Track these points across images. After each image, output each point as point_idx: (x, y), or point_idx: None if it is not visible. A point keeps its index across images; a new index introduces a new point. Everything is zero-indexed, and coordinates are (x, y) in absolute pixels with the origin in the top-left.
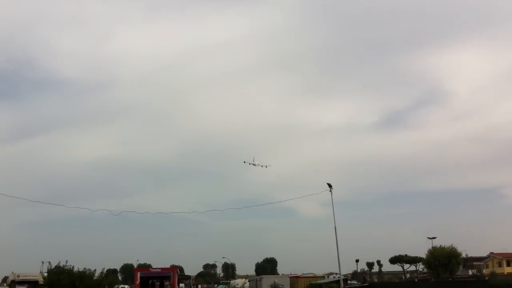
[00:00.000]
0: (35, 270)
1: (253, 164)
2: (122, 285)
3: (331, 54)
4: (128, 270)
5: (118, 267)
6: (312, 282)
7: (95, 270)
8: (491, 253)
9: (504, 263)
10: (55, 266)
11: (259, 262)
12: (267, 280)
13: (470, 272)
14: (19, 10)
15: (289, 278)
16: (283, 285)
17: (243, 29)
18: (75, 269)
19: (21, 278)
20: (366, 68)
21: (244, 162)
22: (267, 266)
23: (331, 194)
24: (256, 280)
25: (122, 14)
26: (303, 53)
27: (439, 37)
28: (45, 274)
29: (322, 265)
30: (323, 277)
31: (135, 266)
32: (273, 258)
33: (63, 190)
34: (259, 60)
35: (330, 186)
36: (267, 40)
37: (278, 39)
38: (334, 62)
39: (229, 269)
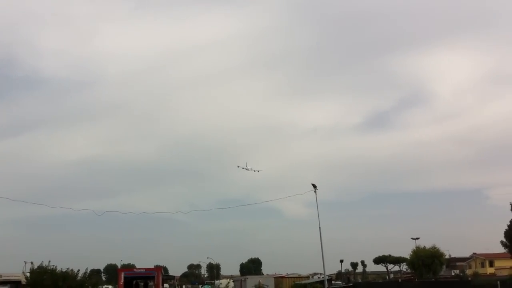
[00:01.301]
0: (17, 270)
1: (246, 169)
2: (106, 286)
3: (317, 55)
4: (112, 270)
5: (101, 267)
6: (296, 283)
7: (78, 271)
8: (474, 253)
9: (487, 264)
10: (38, 266)
11: (244, 262)
12: (252, 280)
13: (453, 273)
14: (2, 8)
15: (273, 279)
16: (267, 286)
17: (229, 29)
18: (58, 269)
19: (3, 278)
20: (352, 69)
21: (238, 166)
22: (252, 267)
23: (316, 195)
24: (241, 280)
25: (106, 13)
26: (288, 54)
27: (423, 38)
28: (28, 274)
29: (306, 266)
30: (307, 277)
31: (119, 267)
32: (257, 258)
33: (46, 189)
34: (245, 60)
35: (314, 186)
36: (252, 41)
37: (263, 40)
38: (319, 63)
39: (214, 270)
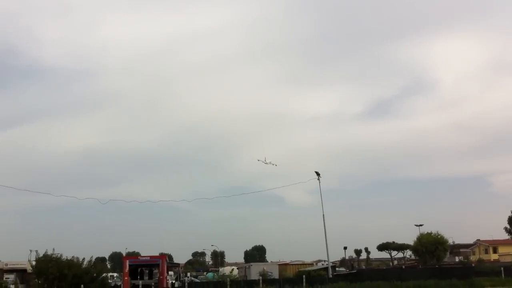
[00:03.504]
0: (23, 259)
1: (265, 163)
2: (111, 273)
3: (316, 43)
4: (116, 258)
5: (106, 255)
6: (300, 270)
7: (83, 259)
8: (477, 240)
9: (491, 250)
10: (43, 255)
11: (248, 250)
12: (256, 267)
13: (457, 259)
14: None
15: (278, 266)
16: (272, 273)
17: (228, 17)
18: (63, 257)
19: (9, 266)
20: (352, 57)
21: (258, 160)
22: (256, 254)
23: (319, 182)
24: (245, 267)
25: (107, 2)
26: (288, 42)
27: (425, 26)
28: (33, 263)
29: (310, 253)
30: (311, 264)
31: (124, 254)
32: (261, 245)
33: (50, 179)
34: (247, 48)
35: (318, 174)
36: (253, 29)
37: (264, 28)
38: (320, 51)
39: (218, 257)
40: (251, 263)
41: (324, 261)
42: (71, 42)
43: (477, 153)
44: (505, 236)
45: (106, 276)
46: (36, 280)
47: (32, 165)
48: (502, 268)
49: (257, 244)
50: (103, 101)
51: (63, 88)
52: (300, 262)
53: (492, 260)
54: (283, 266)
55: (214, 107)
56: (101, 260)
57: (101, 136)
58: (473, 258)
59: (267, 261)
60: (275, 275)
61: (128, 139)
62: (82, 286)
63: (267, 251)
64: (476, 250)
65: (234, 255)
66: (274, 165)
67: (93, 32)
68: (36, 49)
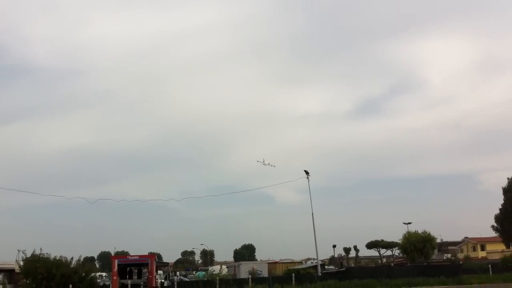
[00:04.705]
0: (11, 259)
1: (264, 164)
2: (99, 273)
3: (306, 42)
4: (105, 258)
5: (95, 255)
6: (290, 268)
7: (72, 258)
8: (465, 237)
9: (479, 248)
10: (32, 254)
11: (238, 248)
12: (245, 266)
13: (445, 257)
14: None
15: (267, 264)
16: (261, 271)
17: (218, 16)
18: (52, 257)
19: None
20: (341, 56)
21: (258, 161)
22: (246, 253)
23: (308, 181)
24: (235, 266)
25: (96, 0)
26: (278, 41)
27: (413, 24)
28: (21, 263)
29: (299, 251)
30: (300, 262)
31: (113, 254)
32: (251, 244)
33: (38, 178)
34: (236, 47)
35: (307, 173)
36: (243, 28)
37: (253, 27)
38: (309, 50)
39: (208, 256)
40: (241, 262)
41: (313, 259)
42: (59, 40)
43: (465, 151)
44: (493, 234)
45: (95, 276)
46: (24, 280)
47: (20, 164)
48: (489, 266)
49: (247, 243)
50: (92, 100)
51: (52, 86)
52: (290, 261)
53: (480, 257)
54: (272, 264)
55: (204, 106)
56: (89, 260)
57: (90, 135)
58: (461, 255)
59: (256, 260)
60: (265, 273)
61: (117, 138)
62: (70, 286)
63: (256, 249)
64: (464, 247)
65: (224, 254)
66: (273, 166)
67: (82, 30)
68: (24, 47)
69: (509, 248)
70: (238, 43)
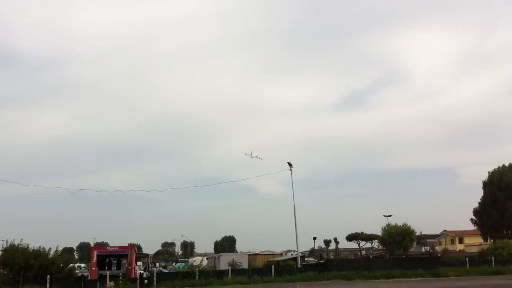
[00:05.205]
0: None
1: (252, 157)
2: (78, 264)
3: (291, 34)
4: (85, 248)
5: (74, 245)
6: (270, 260)
7: (50, 249)
8: (444, 230)
9: (457, 241)
10: (10, 244)
11: (218, 240)
12: (226, 257)
13: (423, 249)
14: None
15: (247, 256)
16: (241, 263)
17: (203, 6)
18: (30, 247)
19: None
20: (327, 49)
21: (245, 154)
22: (226, 244)
23: (291, 173)
24: (215, 258)
25: None
26: (263, 33)
27: (399, 18)
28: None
29: (280, 243)
30: (281, 254)
31: (92, 245)
32: (232, 236)
33: (18, 168)
34: (220, 38)
35: (290, 165)
36: (228, 19)
37: (239, 18)
38: (294, 43)
39: (188, 247)
40: (221, 253)
41: (294, 251)
42: (42, 29)
43: (448, 145)
44: (472, 227)
45: (73, 267)
46: (1, 270)
47: (0, 154)
48: (467, 259)
49: (228, 235)
50: (75, 90)
51: (33, 76)
52: (270, 252)
53: (457, 250)
54: (252, 256)
55: (187, 97)
56: (68, 251)
57: (72, 125)
58: (439, 248)
59: (237, 252)
60: (245, 265)
61: (99, 129)
62: (48, 276)
63: (237, 241)
64: (443, 240)
65: (204, 245)
66: (260, 159)
67: (67, 19)
68: (7, 35)
69: (486, 241)
70: (223, 34)
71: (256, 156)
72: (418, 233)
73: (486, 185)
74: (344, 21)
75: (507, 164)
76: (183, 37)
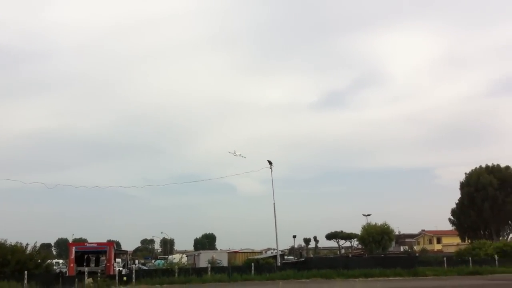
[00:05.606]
0: None
1: (235, 155)
2: (56, 260)
3: (273, 33)
4: (63, 244)
5: (52, 241)
6: (249, 258)
7: (27, 244)
8: (422, 230)
9: (435, 240)
10: None
11: (198, 237)
12: (205, 255)
13: (402, 249)
14: None
15: (227, 254)
16: (221, 260)
17: (187, 3)
18: (7, 243)
19: None
20: (308, 48)
21: (229, 152)
22: (206, 242)
23: (271, 171)
24: (194, 255)
25: None
26: (245, 31)
27: (378, 19)
28: None
29: (260, 241)
30: (260, 252)
31: (70, 241)
32: (212, 234)
33: None
34: (203, 36)
35: (270, 163)
36: (210, 16)
37: (221, 16)
38: (276, 41)
39: (168, 245)
40: (200, 251)
41: (274, 249)
42: (21, 22)
43: (426, 145)
44: (449, 227)
45: (51, 263)
46: None
47: None
48: (444, 258)
49: (208, 232)
50: (53, 84)
51: (11, 69)
52: (250, 250)
53: (435, 250)
54: (232, 254)
55: (168, 93)
56: (46, 247)
57: (50, 119)
58: (417, 248)
59: (216, 249)
60: (224, 263)
61: (78, 123)
62: (26, 272)
63: (217, 239)
64: (421, 240)
65: (184, 243)
66: (244, 157)
67: (45, 11)
68: None
69: (464, 241)
70: (205, 32)
71: (240, 155)
72: (396, 233)
73: (463, 186)
74: (325, 21)
75: (484, 165)
76: (165, 33)
